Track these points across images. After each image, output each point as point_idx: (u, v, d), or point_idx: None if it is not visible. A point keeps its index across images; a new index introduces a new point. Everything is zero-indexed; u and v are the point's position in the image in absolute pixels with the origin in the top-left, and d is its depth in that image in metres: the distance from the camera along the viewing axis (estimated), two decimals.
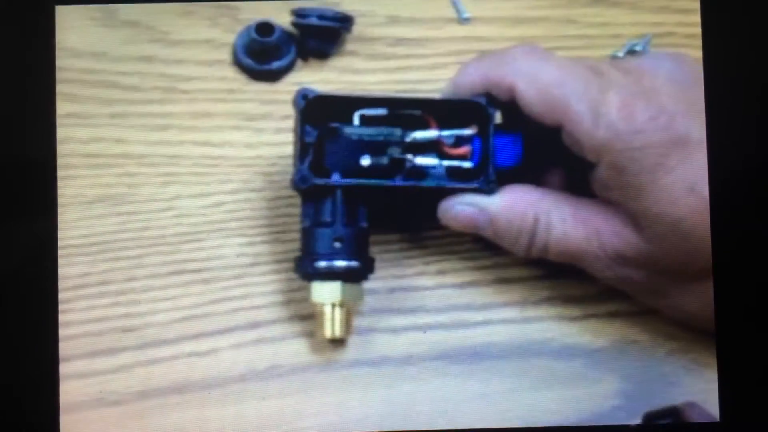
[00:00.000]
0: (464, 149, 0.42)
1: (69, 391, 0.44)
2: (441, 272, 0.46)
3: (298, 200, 0.45)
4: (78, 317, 0.46)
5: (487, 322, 0.45)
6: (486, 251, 0.46)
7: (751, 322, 0.43)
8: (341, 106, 0.43)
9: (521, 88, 0.40)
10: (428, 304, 0.46)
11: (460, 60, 0.50)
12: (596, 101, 0.39)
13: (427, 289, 0.46)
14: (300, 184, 0.41)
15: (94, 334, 0.46)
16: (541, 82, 0.40)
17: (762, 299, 0.43)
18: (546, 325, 0.45)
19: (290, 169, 0.43)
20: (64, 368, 0.44)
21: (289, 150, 0.44)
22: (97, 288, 0.46)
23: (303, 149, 0.41)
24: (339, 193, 0.41)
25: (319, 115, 0.43)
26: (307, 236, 0.42)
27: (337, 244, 0.41)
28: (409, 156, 0.42)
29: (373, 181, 0.41)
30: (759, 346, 0.43)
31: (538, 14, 0.51)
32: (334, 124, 0.42)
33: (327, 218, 0.41)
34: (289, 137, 0.44)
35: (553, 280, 0.47)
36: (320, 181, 0.41)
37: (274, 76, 0.50)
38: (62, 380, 0.44)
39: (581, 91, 0.39)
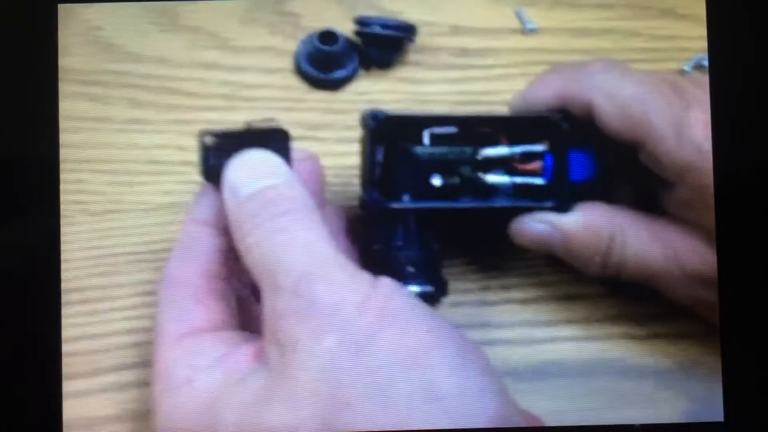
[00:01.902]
0: (535, 165, 0.42)
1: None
2: (505, 287, 0.45)
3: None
4: (143, 324, 0.45)
5: (552, 339, 0.44)
6: (551, 266, 0.45)
7: (757, 321, 0.42)
8: (410, 124, 0.41)
9: (600, 104, 0.40)
10: (493, 320, 0.44)
11: (525, 71, 0.49)
12: (679, 119, 0.38)
13: (492, 304, 0.45)
14: (372, 207, 0.40)
15: None
16: (621, 98, 0.39)
17: (766, 299, 0.42)
18: (612, 343, 0.44)
19: (353, 180, 0.42)
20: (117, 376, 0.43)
21: (351, 160, 0.44)
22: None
23: (373, 171, 0.40)
24: (412, 216, 0.40)
25: (387, 134, 0.42)
26: (378, 260, 0.41)
27: (411, 269, 0.40)
28: (480, 174, 0.41)
29: (448, 204, 0.41)
30: (764, 345, 0.42)
31: (604, 26, 0.50)
32: (404, 144, 0.41)
33: (399, 242, 0.40)
34: (352, 147, 0.43)
35: (618, 298, 0.46)
36: (395, 205, 0.40)
37: (336, 85, 0.49)
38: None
39: (663, 108, 0.38)
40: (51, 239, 0.44)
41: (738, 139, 0.41)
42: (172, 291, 0.38)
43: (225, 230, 0.39)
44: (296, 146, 0.40)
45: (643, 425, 0.42)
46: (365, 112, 0.41)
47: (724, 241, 0.40)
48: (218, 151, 0.38)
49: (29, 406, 0.42)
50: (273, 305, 0.35)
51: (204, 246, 0.38)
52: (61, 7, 0.47)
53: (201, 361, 0.35)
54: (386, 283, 0.36)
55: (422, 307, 0.36)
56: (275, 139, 0.38)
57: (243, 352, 0.36)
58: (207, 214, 0.39)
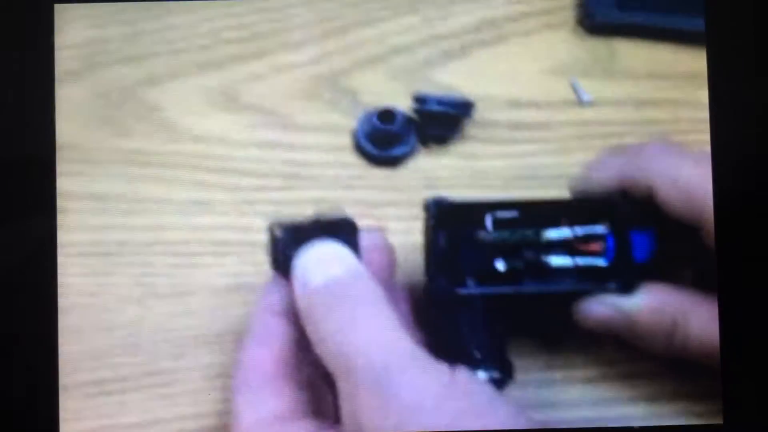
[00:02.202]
0: (596, 245, 0.42)
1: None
2: (569, 366, 0.46)
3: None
4: (210, 408, 0.47)
5: (617, 419, 0.44)
6: (614, 344, 0.45)
7: (756, 324, 0.42)
8: (472, 209, 0.42)
9: (661, 188, 0.40)
10: (557, 399, 0.45)
11: (582, 145, 0.50)
12: None
13: (556, 383, 0.45)
14: (439, 294, 0.40)
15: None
16: (682, 181, 0.40)
17: (765, 301, 0.42)
18: (680, 421, 0.44)
19: (415, 257, 0.43)
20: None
21: (413, 238, 0.45)
22: (230, 379, 0.45)
23: (437, 257, 0.41)
24: (477, 301, 0.40)
25: (450, 220, 0.43)
26: (444, 345, 0.42)
27: (478, 354, 0.41)
28: (543, 257, 0.41)
29: (514, 289, 0.41)
30: (763, 348, 0.42)
31: (661, 96, 0.50)
32: (467, 229, 0.41)
33: (465, 327, 0.41)
34: (413, 224, 0.44)
35: (683, 376, 0.47)
36: (462, 292, 0.40)
37: (395, 163, 0.50)
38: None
39: None
40: (49, 245, 0.44)
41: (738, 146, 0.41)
42: (248, 378, 0.39)
43: (296, 318, 0.40)
44: (361, 224, 0.42)
45: (641, 427, 0.42)
46: (428, 199, 0.42)
47: (724, 245, 0.41)
48: (287, 243, 0.39)
49: None
50: (352, 398, 0.36)
51: (276, 334, 0.39)
52: (121, 89, 0.48)
53: None
54: (464, 374, 0.37)
55: (501, 400, 0.37)
56: (343, 230, 0.39)
57: None
58: (278, 303, 0.40)
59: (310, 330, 0.39)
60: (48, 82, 0.46)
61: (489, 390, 0.36)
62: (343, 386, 0.37)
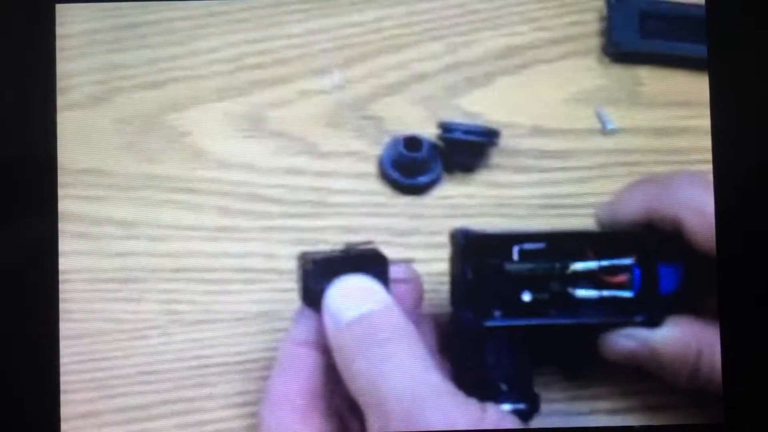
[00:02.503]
0: (622, 278, 0.42)
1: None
2: (594, 397, 0.45)
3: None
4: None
5: None
6: (638, 376, 0.45)
7: (757, 323, 0.43)
8: (498, 241, 0.43)
9: (688, 221, 0.41)
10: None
11: (606, 173, 0.50)
12: None
13: (581, 414, 0.45)
14: (466, 325, 0.41)
15: None
16: (708, 213, 0.41)
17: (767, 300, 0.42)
18: None
19: (440, 287, 0.44)
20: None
21: (438, 267, 0.46)
22: (255, 408, 0.46)
23: (464, 288, 0.41)
24: (503, 333, 0.40)
25: (477, 251, 0.43)
26: (470, 377, 0.42)
27: (504, 386, 0.41)
28: (570, 289, 0.41)
29: (542, 321, 0.42)
30: (764, 347, 0.42)
31: (683, 125, 0.50)
32: (494, 260, 0.41)
33: (491, 359, 0.41)
34: (438, 253, 0.44)
35: (711, 409, 0.45)
36: (490, 324, 0.40)
37: (420, 190, 0.50)
38: None
39: None
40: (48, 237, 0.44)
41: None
42: (276, 410, 0.40)
43: (324, 350, 0.40)
44: (390, 255, 0.42)
45: (642, 426, 0.42)
46: (455, 229, 0.42)
47: (724, 244, 0.41)
48: (317, 275, 0.39)
49: None
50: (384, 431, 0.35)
51: (304, 365, 0.40)
52: (145, 115, 0.48)
53: None
54: (494, 410, 0.38)
55: None
56: (373, 264, 0.39)
57: None
58: (306, 334, 0.41)
59: (341, 364, 0.39)
60: (50, 82, 0.46)
61: (519, 425, 0.36)
62: (373, 420, 0.37)
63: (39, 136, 0.46)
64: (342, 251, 0.40)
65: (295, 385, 0.39)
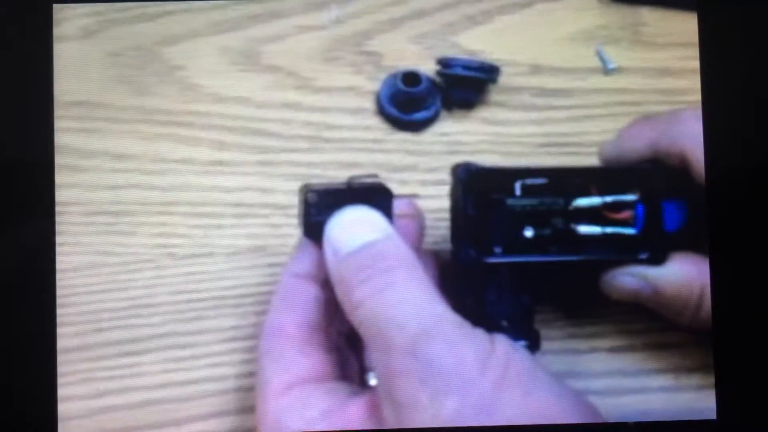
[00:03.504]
0: (626, 214, 0.41)
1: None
2: (593, 335, 0.45)
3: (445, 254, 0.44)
4: (228, 372, 0.46)
5: (641, 390, 0.44)
6: (639, 314, 0.44)
7: (749, 320, 0.43)
8: (501, 176, 0.42)
9: (693, 154, 0.40)
10: (580, 369, 0.44)
11: (607, 112, 0.49)
12: None
13: (579, 352, 0.44)
14: (467, 262, 0.40)
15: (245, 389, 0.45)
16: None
17: (760, 298, 0.43)
18: (703, 394, 0.43)
19: (438, 224, 0.43)
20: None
21: (436, 203, 0.45)
22: (249, 342, 0.44)
23: (466, 224, 0.40)
24: (505, 270, 0.40)
25: (479, 186, 0.42)
26: (471, 313, 0.40)
27: (504, 323, 0.40)
28: (572, 225, 0.40)
29: (544, 258, 0.41)
30: (756, 344, 0.43)
31: (683, 65, 0.50)
32: (496, 196, 0.40)
33: (491, 296, 0.40)
34: (435, 190, 0.44)
35: (708, 348, 0.45)
36: (491, 260, 0.40)
37: (418, 127, 0.49)
38: None
39: None
40: (46, 248, 0.43)
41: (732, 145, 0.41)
42: (274, 342, 0.39)
43: (324, 283, 0.39)
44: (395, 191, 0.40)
45: (636, 423, 0.42)
46: (456, 164, 0.41)
47: (718, 242, 0.41)
48: (320, 208, 0.38)
49: None
50: (387, 364, 0.35)
51: (304, 298, 0.39)
52: (138, 48, 0.47)
53: (311, 413, 0.36)
54: (503, 341, 0.37)
55: (542, 367, 0.36)
56: (377, 197, 0.38)
57: (354, 407, 0.37)
58: (306, 267, 0.40)
59: (342, 295, 0.38)
60: (46, 82, 0.45)
61: (529, 358, 0.35)
62: (376, 352, 0.37)
63: (36, 136, 0.44)
64: (346, 184, 0.39)
65: (293, 316, 0.38)
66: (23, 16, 0.45)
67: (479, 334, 0.35)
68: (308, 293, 0.39)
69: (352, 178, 0.39)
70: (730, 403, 0.41)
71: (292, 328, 0.38)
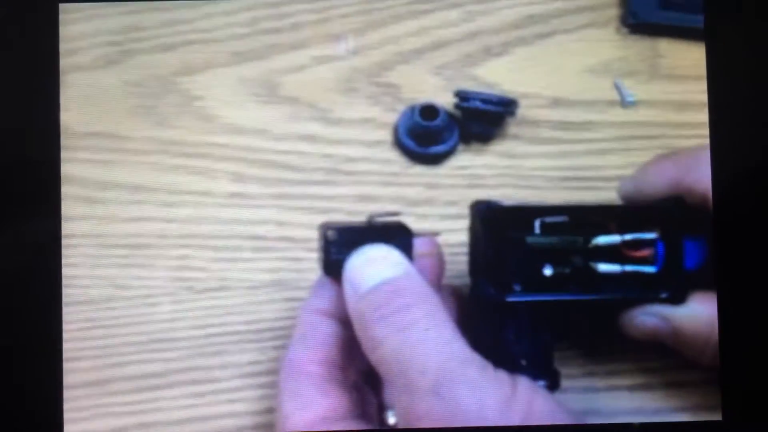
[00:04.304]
0: (646, 252, 0.41)
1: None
2: (612, 373, 0.45)
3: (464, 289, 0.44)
4: (247, 408, 0.46)
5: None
6: (658, 353, 0.44)
7: (755, 320, 0.43)
8: (520, 214, 0.42)
9: None
10: (599, 407, 0.44)
11: (625, 146, 0.49)
12: None
13: (598, 390, 0.44)
14: (487, 300, 0.40)
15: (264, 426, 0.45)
16: None
17: (765, 294, 0.42)
18: None
19: (456, 258, 0.43)
20: None
21: (454, 238, 0.45)
22: (268, 377, 0.44)
23: (484, 261, 0.40)
24: (525, 309, 0.40)
25: (498, 223, 0.42)
26: (490, 352, 0.40)
27: (524, 362, 0.40)
28: (592, 263, 0.40)
29: (565, 296, 0.40)
30: (762, 345, 0.42)
31: (703, 99, 0.49)
32: (516, 233, 0.40)
33: (511, 334, 0.40)
34: (454, 224, 0.44)
35: None
36: (512, 299, 0.40)
37: (436, 160, 0.49)
38: None
39: None
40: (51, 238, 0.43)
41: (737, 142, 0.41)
42: (294, 379, 0.39)
43: (343, 320, 0.39)
44: (416, 228, 0.41)
45: (642, 424, 0.42)
46: (475, 202, 0.41)
47: (722, 242, 0.41)
48: (339, 246, 0.38)
49: None
50: (409, 404, 0.36)
51: (323, 335, 0.39)
52: (156, 78, 0.47)
53: None
54: (525, 383, 0.37)
55: (562, 408, 0.36)
56: (397, 235, 0.38)
57: None
58: (325, 304, 0.40)
59: (361, 332, 0.38)
60: (52, 82, 0.45)
61: (550, 399, 0.35)
62: (397, 391, 0.37)
63: (41, 137, 0.44)
64: (366, 222, 0.39)
65: (313, 354, 0.39)
66: (28, 16, 0.45)
67: (502, 377, 0.35)
68: (328, 330, 0.39)
69: (372, 215, 0.39)
70: (735, 404, 0.41)
71: (312, 365, 0.38)
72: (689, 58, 0.51)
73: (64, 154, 0.46)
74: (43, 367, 0.43)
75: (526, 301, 0.40)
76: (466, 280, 0.43)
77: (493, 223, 0.41)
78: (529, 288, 0.41)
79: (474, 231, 0.41)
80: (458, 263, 0.44)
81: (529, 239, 0.41)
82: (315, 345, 0.39)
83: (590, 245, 0.41)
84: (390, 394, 0.37)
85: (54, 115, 0.45)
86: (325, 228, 0.39)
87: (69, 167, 0.46)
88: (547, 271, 0.41)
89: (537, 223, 0.41)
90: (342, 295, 0.39)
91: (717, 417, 0.44)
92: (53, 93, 0.45)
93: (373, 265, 0.38)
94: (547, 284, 0.41)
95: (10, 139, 0.44)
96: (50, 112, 0.45)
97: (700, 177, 0.40)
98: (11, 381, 0.43)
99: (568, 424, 0.36)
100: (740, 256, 0.42)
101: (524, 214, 0.42)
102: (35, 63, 0.45)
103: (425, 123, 0.48)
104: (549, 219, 0.41)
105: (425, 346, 0.35)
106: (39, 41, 0.45)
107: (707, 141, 0.47)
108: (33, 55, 0.45)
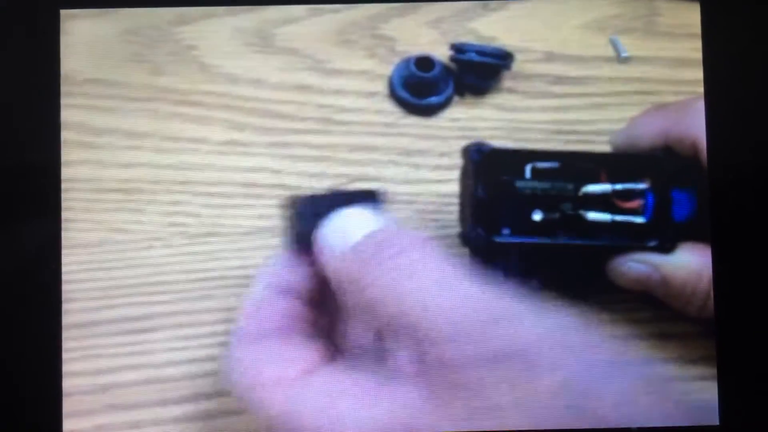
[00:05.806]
0: (636, 203, 0.41)
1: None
2: (601, 323, 0.44)
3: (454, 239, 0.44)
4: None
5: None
6: (646, 303, 0.44)
7: (752, 323, 0.42)
8: (512, 158, 0.42)
9: (705, 145, 0.39)
10: None
11: (619, 101, 0.49)
12: None
13: None
14: (476, 243, 0.40)
15: None
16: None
17: (762, 300, 0.42)
18: (707, 384, 0.43)
19: (447, 208, 0.42)
20: None
21: (446, 188, 0.45)
22: None
23: (476, 205, 0.40)
24: (514, 253, 0.40)
25: (490, 167, 0.42)
26: None
27: None
28: (581, 211, 0.40)
29: (554, 240, 0.41)
30: (759, 349, 0.42)
31: (697, 56, 0.49)
32: (507, 178, 0.40)
33: (499, 277, 0.40)
34: (446, 174, 0.43)
35: (713, 338, 0.44)
36: (501, 240, 0.40)
37: (430, 111, 0.49)
38: None
39: None
40: (52, 247, 0.43)
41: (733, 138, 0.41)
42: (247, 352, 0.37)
43: (300, 295, 0.37)
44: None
45: (639, 428, 0.42)
46: (469, 144, 0.41)
47: (720, 243, 0.41)
48: (307, 216, 0.37)
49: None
50: (439, 356, 0.32)
51: (279, 312, 0.37)
52: (153, 27, 0.47)
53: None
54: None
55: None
56: (366, 199, 0.38)
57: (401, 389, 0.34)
58: (285, 280, 0.38)
59: (352, 291, 0.35)
60: (53, 87, 0.45)
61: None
62: (405, 347, 0.33)
63: (43, 139, 0.44)
64: (333, 190, 0.39)
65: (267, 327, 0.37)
66: (30, 21, 0.45)
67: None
68: (285, 308, 0.37)
69: (332, 187, 0.38)
70: (733, 409, 0.41)
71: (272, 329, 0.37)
72: (685, 16, 0.50)
73: (63, 101, 0.45)
74: (43, 365, 0.43)
75: (514, 243, 0.40)
76: (457, 231, 0.43)
77: (485, 166, 0.41)
78: (518, 232, 0.41)
79: (465, 174, 0.41)
80: (449, 213, 0.44)
81: (520, 184, 0.41)
82: (271, 321, 0.37)
83: (580, 193, 0.41)
84: (395, 351, 0.36)
85: (55, 118, 0.45)
86: (292, 201, 0.38)
87: (67, 113, 0.46)
88: (537, 217, 0.41)
89: (528, 168, 0.41)
90: (310, 268, 0.37)
91: (706, 370, 0.44)
92: (54, 99, 0.45)
93: (351, 225, 0.36)
94: (536, 229, 0.41)
95: (11, 140, 0.44)
96: (51, 118, 0.45)
97: (689, 127, 0.40)
98: (11, 381, 0.43)
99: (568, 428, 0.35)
100: (734, 209, 0.42)
101: (516, 158, 0.42)
102: (35, 63, 0.45)
103: (420, 74, 0.48)
104: (540, 164, 0.41)
105: (432, 288, 0.33)
106: (39, 45, 0.45)
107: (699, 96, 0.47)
108: (33, 55, 0.45)
